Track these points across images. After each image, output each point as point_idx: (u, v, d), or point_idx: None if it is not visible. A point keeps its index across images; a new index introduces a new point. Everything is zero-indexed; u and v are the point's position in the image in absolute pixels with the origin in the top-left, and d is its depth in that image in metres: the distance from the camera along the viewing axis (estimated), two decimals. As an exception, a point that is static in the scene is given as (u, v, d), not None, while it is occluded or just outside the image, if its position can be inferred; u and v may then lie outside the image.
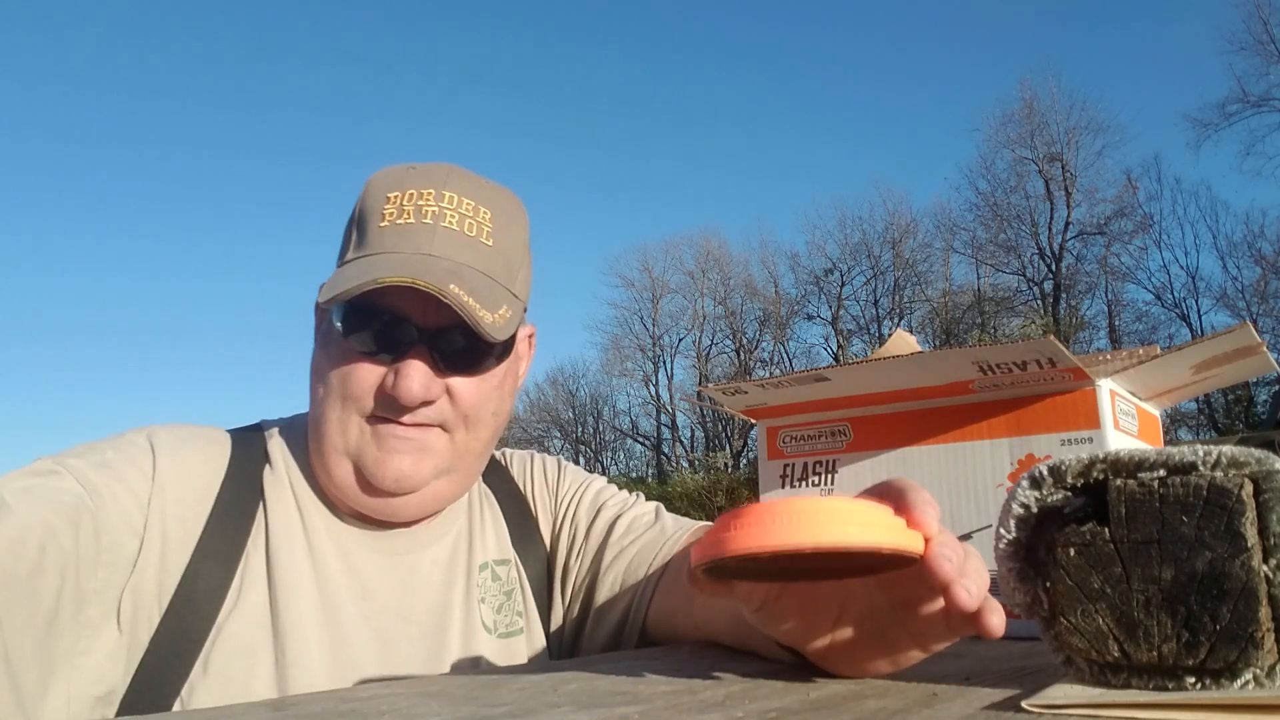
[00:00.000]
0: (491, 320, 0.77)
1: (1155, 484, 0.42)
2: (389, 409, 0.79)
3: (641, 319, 29.84)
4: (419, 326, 0.79)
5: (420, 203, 0.80)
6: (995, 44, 35.94)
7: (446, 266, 0.78)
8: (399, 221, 0.80)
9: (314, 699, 0.51)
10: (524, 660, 0.89)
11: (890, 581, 0.50)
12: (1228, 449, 0.42)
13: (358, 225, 0.82)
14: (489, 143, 40.43)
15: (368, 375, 0.79)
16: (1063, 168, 23.58)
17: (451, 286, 0.75)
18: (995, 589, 0.47)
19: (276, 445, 0.86)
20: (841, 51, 39.38)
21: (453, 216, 0.81)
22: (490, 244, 0.83)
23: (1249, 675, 0.40)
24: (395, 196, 0.81)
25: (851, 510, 0.42)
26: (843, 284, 27.11)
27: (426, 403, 0.80)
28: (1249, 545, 0.40)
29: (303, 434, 0.86)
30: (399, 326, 0.79)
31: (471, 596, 0.87)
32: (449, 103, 43.33)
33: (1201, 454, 0.42)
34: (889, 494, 0.48)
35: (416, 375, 0.77)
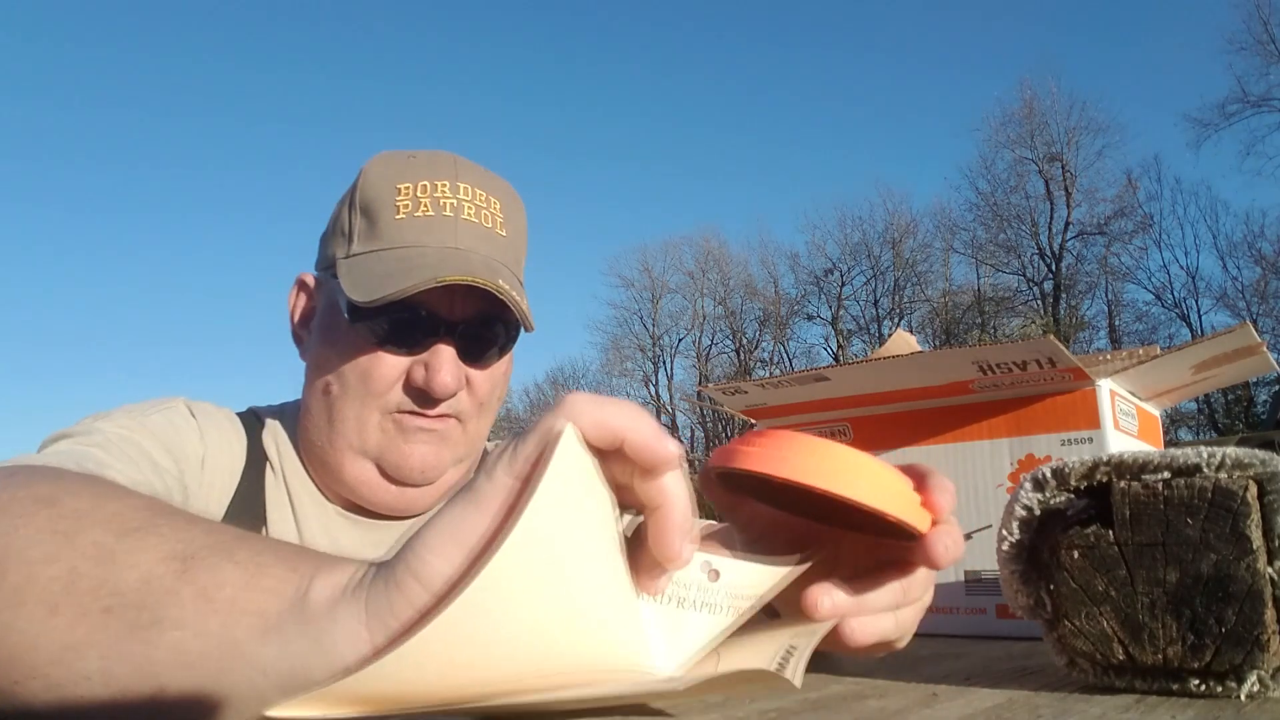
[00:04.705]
0: (525, 312, 0.78)
1: (1160, 486, 0.42)
2: (416, 401, 0.79)
3: (641, 319, 29.84)
4: (444, 319, 0.78)
5: (437, 195, 0.79)
6: (995, 44, 35.97)
7: (480, 260, 0.78)
8: (418, 214, 0.78)
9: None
10: None
11: (881, 545, 0.49)
12: (1232, 450, 0.42)
13: (364, 215, 0.80)
14: (489, 142, 40.44)
15: (391, 369, 0.78)
16: (1063, 168, 23.57)
17: (500, 282, 0.75)
18: (997, 589, 0.47)
19: (271, 437, 0.85)
20: (841, 51, 39.42)
21: (470, 208, 0.80)
22: (504, 235, 0.83)
23: (1254, 678, 0.40)
24: (407, 188, 0.79)
25: (872, 468, 0.41)
26: (843, 284, 27.09)
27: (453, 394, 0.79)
28: (1254, 547, 0.40)
29: (293, 424, 0.85)
30: (425, 319, 0.78)
31: None
32: (448, 102, 43.36)
33: (1206, 456, 0.41)
34: (912, 471, 0.47)
35: (449, 368, 0.77)
